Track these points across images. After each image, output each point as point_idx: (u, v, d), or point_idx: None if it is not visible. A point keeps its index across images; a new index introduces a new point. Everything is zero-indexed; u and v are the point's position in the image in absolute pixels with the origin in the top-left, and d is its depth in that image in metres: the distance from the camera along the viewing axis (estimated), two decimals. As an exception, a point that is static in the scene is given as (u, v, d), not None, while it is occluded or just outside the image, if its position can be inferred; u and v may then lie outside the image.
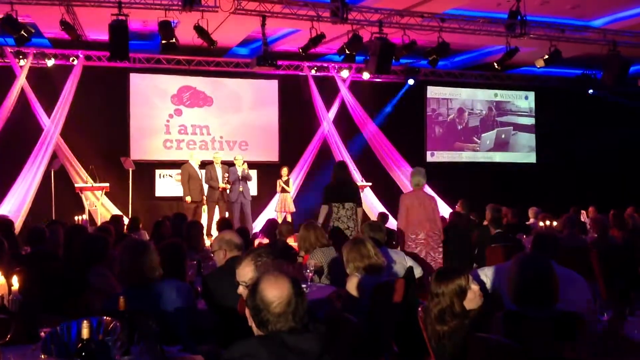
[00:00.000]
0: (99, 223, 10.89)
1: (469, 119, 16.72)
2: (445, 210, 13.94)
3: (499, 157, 16.96)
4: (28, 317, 3.14)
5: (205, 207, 12.73)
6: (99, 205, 12.52)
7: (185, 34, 10.91)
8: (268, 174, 14.18)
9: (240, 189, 12.49)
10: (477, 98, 16.82)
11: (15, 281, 2.90)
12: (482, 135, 16.85)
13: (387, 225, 10.64)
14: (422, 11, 11.32)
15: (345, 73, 14.92)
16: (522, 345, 3.04)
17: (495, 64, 13.09)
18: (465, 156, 16.69)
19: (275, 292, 2.61)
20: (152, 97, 14.29)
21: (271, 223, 9.03)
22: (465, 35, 12.14)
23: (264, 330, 2.62)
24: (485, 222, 9.66)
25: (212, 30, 10.75)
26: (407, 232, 7.97)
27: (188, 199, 12.32)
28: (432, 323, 3.56)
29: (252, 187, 13.45)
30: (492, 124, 16.95)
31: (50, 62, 13.09)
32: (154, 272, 3.64)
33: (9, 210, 12.05)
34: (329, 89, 14.98)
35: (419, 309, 3.74)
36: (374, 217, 13.29)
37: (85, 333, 2.54)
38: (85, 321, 2.60)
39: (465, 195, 13.20)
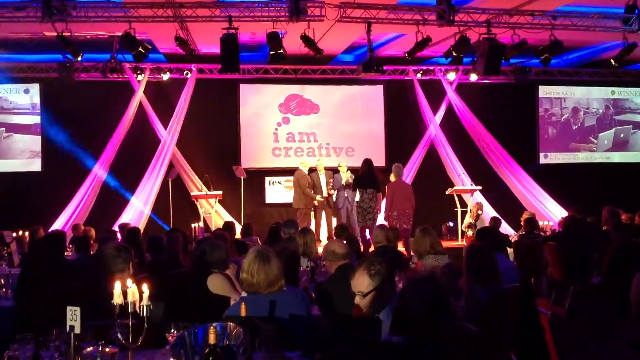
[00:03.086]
0: (213, 230, 11.25)
1: (584, 118, 16.01)
2: (561, 213, 13.45)
3: (617, 157, 16.13)
4: (155, 323, 3.30)
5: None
6: (213, 213, 12.97)
7: (291, 44, 11.11)
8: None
9: (346, 195, 12.56)
10: (592, 96, 16.08)
11: (146, 288, 3.05)
12: (599, 134, 16.08)
13: (500, 229, 10.38)
14: (532, 9, 10.96)
15: (451, 75, 14.66)
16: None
17: (611, 61, 12.45)
18: (582, 157, 15.99)
19: None
20: (261, 106, 14.68)
21: (380, 229, 9.00)
22: (578, 32, 11.63)
23: None
24: (604, 227, 9.22)
25: (317, 38, 10.89)
26: (390, 211, 11.22)
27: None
28: None
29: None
30: (609, 122, 16.15)
31: (165, 76, 13.71)
32: (277, 282, 3.71)
33: (130, 218, 12.71)
34: (435, 92, 14.77)
35: (542, 317, 3.61)
36: (485, 222, 12.96)
37: (211, 338, 2.62)
38: (211, 327, 2.69)
39: (582, 198, 12.69)
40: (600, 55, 14.58)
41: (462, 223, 12.97)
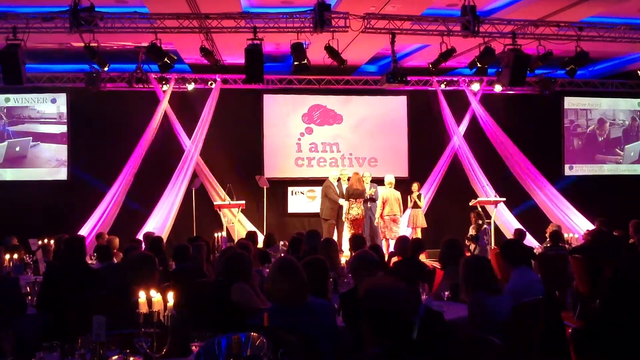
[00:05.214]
0: (235, 239, 11.30)
1: (610, 129, 15.82)
2: (586, 226, 13.28)
3: (644, 169, 15.92)
4: (180, 332, 3.30)
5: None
6: (236, 222, 13.01)
7: (315, 54, 11.13)
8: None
9: (369, 205, 12.72)
10: (619, 108, 15.89)
11: (171, 297, 3.06)
12: (626, 146, 15.87)
13: (524, 242, 10.27)
14: (558, 20, 10.86)
15: (476, 86, 14.57)
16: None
17: (638, 72, 12.32)
18: (607, 169, 15.80)
19: None
20: (284, 116, 14.72)
21: (403, 240, 8.95)
22: (605, 43, 11.50)
23: None
24: (630, 240, 9.10)
25: (342, 49, 10.90)
26: (383, 214, 12.81)
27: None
28: None
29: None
30: (636, 134, 15.93)
31: (190, 87, 13.82)
32: (302, 293, 3.69)
33: (154, 227, 12.77)
34: (459, 103, 14.70)
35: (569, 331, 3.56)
36: (509, 234, 12.85)
37: (235, 348, 2.62)
38: (235, 337, 2.69)
39: (607, 211, 12.49)
40: (627, 67, 14.43)
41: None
